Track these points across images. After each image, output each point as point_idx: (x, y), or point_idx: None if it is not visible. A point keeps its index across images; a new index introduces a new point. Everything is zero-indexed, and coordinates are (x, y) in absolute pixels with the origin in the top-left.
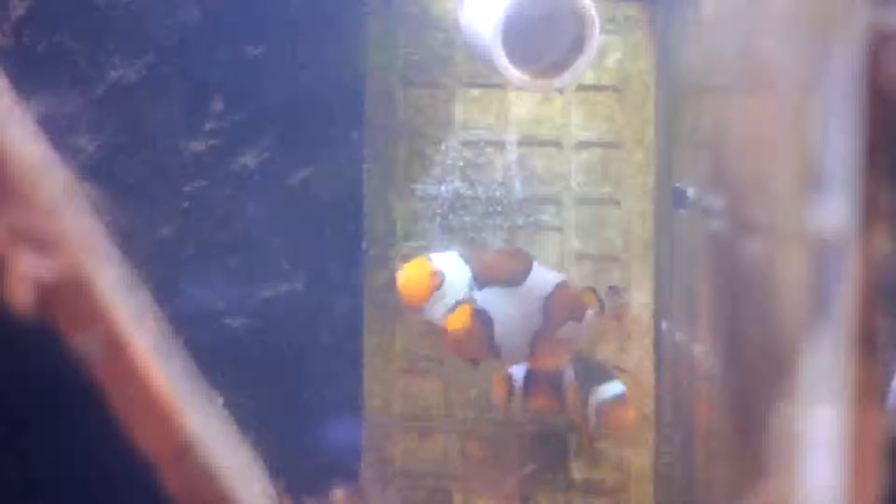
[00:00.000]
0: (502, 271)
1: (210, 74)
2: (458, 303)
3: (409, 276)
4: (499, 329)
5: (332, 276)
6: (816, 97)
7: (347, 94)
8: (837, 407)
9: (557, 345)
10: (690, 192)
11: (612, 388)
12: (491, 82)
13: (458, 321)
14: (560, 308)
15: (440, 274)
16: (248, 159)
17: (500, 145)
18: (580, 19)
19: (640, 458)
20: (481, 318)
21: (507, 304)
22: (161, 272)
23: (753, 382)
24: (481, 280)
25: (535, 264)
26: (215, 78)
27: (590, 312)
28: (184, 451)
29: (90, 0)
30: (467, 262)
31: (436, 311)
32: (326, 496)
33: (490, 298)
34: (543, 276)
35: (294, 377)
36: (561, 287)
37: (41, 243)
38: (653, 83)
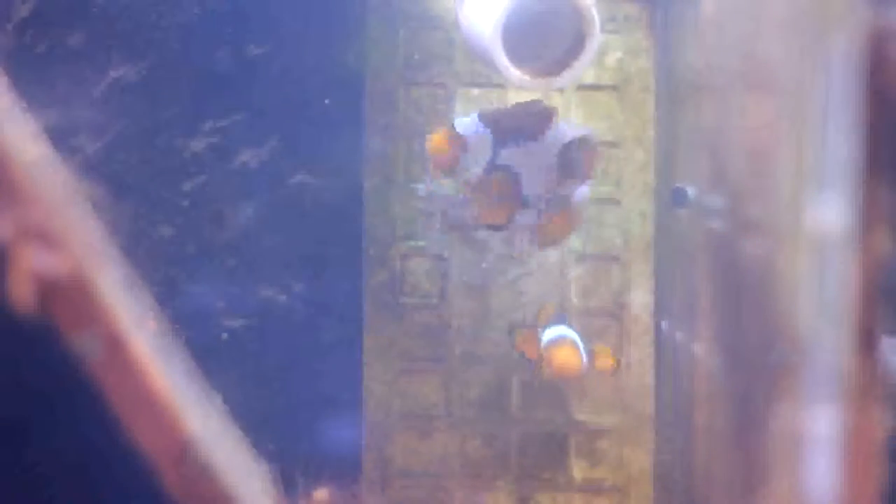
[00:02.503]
0: (519, 127)
1: (210, 74)
2: (488, 164)
3: (434, 144)
4: (525, 183)
5: (332, 276)
6: (816, 97)
7: (347, 94)
8: (837, 407)
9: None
10: (690, 192)
11: (558, 332)
12: (491, 82)
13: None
14: (566, 165)
15: (463, 138)
16: (248, 159)
17: None
18: (580, 18)
19: (640, 458)
20: (507, 176)
21: (527, 159)
22: (161, 272)
23: (753, 382)
24: (500, 138)
25: (557, 121)
26: (215, 77)
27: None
28: (184, 451)
29: (91, 0)
30: (488, 123)
31: (470, 176)
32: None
33: (511, 155)
34: (562, 131)
35: (294, 377)
36: (571, 144)
37: (42, 242)
38: (653, 83)
